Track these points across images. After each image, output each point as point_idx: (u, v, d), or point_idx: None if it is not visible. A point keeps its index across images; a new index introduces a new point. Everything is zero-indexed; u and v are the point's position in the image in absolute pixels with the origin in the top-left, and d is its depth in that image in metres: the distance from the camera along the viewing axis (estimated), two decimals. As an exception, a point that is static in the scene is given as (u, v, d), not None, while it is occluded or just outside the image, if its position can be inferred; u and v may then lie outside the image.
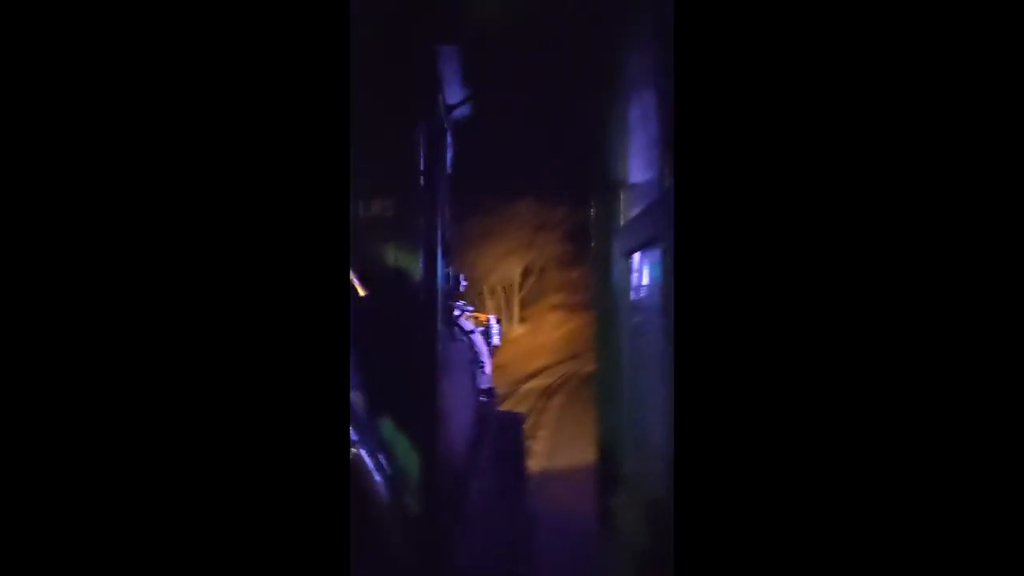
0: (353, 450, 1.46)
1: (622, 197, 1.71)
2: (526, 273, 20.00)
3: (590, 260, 1.97)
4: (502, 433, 2.84)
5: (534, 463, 5.00)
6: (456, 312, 2.85)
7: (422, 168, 1.89)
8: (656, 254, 1.47)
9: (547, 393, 10.21)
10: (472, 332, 3.16)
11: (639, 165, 1.70)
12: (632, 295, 1.70)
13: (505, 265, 19.16)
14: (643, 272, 1.63)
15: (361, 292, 1.70)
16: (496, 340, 3.42)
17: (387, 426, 1.77)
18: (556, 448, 5.70)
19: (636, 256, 1.66)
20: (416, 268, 1.89)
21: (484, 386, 3.06)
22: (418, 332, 1.89)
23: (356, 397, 1.57)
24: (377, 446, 1.69)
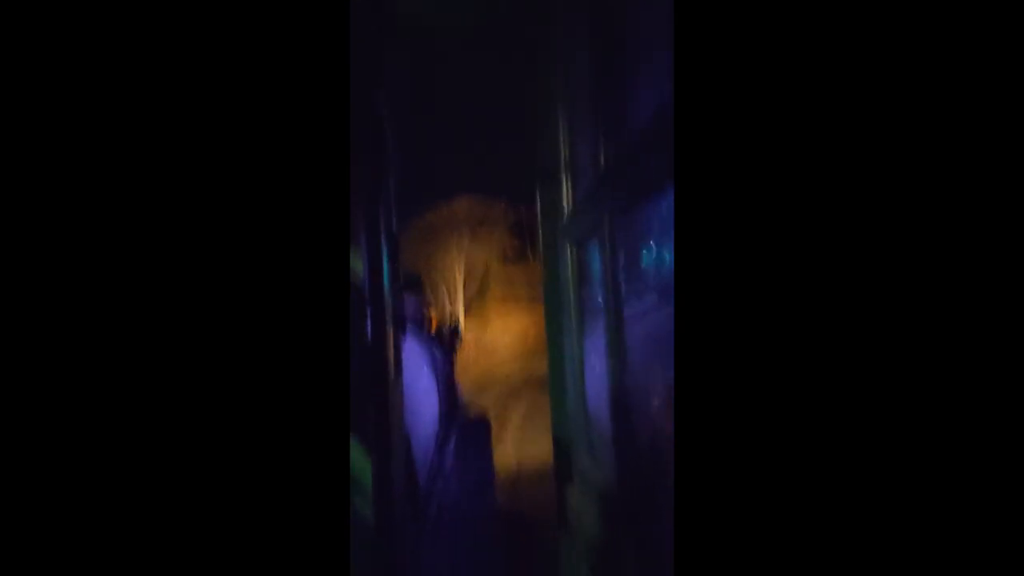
0: None
1: (565, 186, 1.77)
2: (469, 270, 20.01)
3: (537, 254, 2.03)
4: (465, 435, 2.87)
5: (499, 463, 5.06)
6: (410, 311, 2.85)
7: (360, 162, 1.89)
8: (597, 245, 1.53)
9: (509, 394, 10.27)
10: (431, 331, 3.17)
11: (582, 151, 1.75)
12: (579, 289, 1.77)
13: (446, 263, 19.09)
14: (590, 263, 1.69)
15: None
16: (458, 339, 3.43)
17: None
18: (521, 448, 5.77)
19: (581, 247, 1.72)
20: (359, 267, 1.89)
21: (445, 387, 3.08)
22: (366, 334, 1.89)
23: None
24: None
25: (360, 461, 1.86)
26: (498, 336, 16.80)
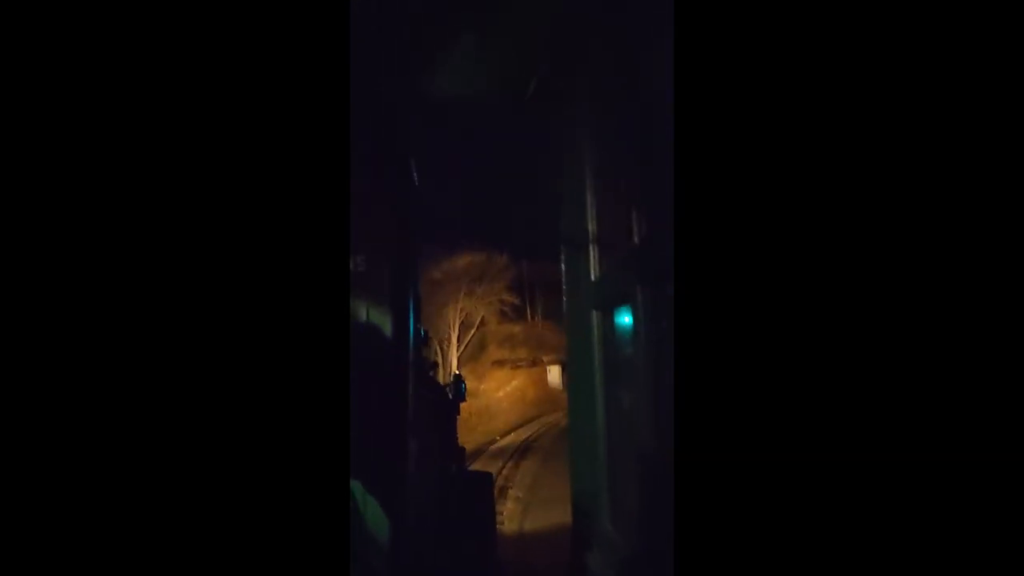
0: None
1: (592, 252, 1.86)
2: (464, 326, 19.97)
3: (562, 315, 2.10)
4: (469, 493, 2.87)
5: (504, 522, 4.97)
6: (424, 368, 2.89)
7: (395, 226, 1.99)
8: (627, 310, 1.61)
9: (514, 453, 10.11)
10: (439, 388, 3.20)
11: (608, 221, 1.85)
12: (605, 350, 1.83)
13: (441, 317, 19.09)
14: (616, 327, 1.76)
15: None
16: (462, 396, 3.46)
17: (356, 488, 1.80)
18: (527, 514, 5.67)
19: (608, 311, 1.80)
20: (387, 325, 1.97)
21: (451, 445, 3.08)
22: (389, 390, 1.94)
23: None
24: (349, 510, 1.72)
25: (377, 519, 1.87)
26: (490, 398, 16.55)
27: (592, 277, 1.90)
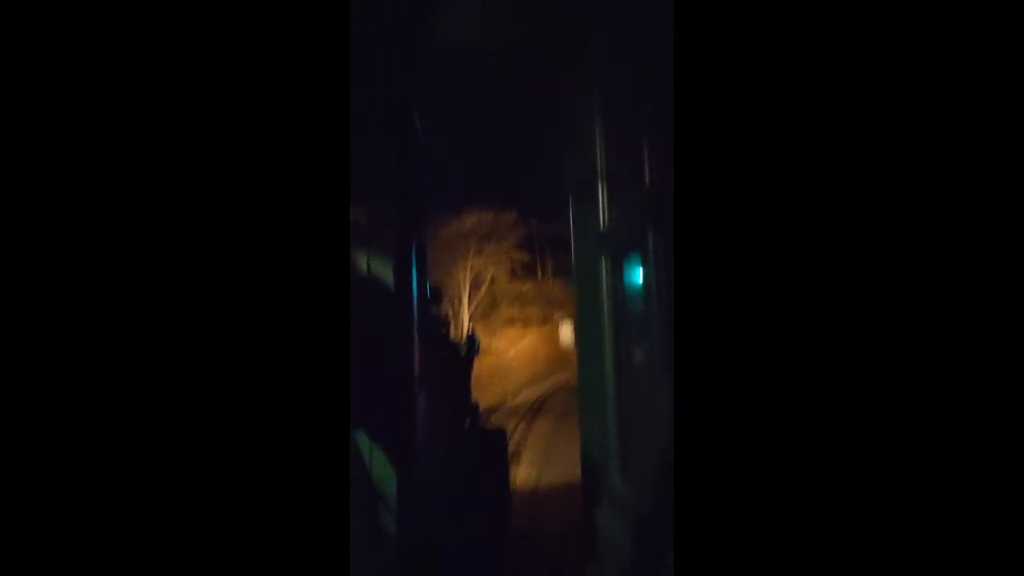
0: None
1: (600, 199, 1.80)
2: (475, 284, 20.00)
3: (571, 267, 2.05)
4: (482, 450, 2.88)
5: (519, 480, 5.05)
6: (436, 325, 2.87)
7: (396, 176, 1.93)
8: (637, 260, 1.55)
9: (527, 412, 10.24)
10: (452, 344, 3.18)
11: (617, 167, 1.78)
12: (615, 303, 1.78)
13: (451, 277, 19.13)
14: (625, 279, 1.71)
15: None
16: (476, 352, 3.45)
17: (363, 442, 1.79)
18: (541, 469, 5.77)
19: (618, 261, 1.74)
20: (389, 278, 1.92)
21: (464, 401, 3.09)
22: (394, 344, 1.91)
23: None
24: (355, 464, 1.71)
25: (384, 471, 1.87)
26: (500, 358, 16.70)
27: (601, 227, 1.84)
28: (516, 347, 18.09)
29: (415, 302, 2.03)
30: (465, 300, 19.37)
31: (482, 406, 3.79)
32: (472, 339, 3.57)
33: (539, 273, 21.44)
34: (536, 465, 5.73)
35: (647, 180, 1.44)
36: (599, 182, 1.83)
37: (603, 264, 1.79)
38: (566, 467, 5.11)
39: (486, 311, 19.78)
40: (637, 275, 1.55)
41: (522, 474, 5.29)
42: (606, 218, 1.80)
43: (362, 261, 1.86)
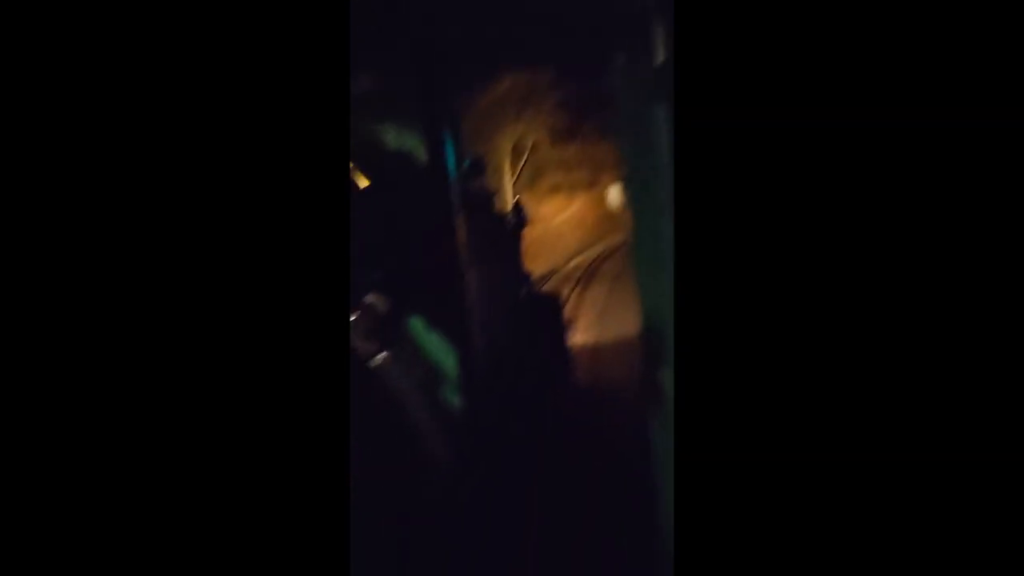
0: (380, 357, 1.48)
1: (657, 42, 1.59)
2: (517, 151, 19.57)
3: (616, 126, 1.88)
4: (537, 315, 2.90)
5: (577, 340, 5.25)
6: (481, 197, 2.79)
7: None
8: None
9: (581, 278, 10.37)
10: (499, 216, 3.12)
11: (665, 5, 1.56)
12: (668, 156, 1.64)
13: (492, 146, 18.72)
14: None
15: (362, 183, 1.63)
16: (524, 222, 3.38)
17: (416, 326, 1.78)
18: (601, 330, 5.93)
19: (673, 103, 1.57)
20: (421, 150, 1.81)
21: (516, 272, 3.08)
22: (432, 223, 1.84)
23: (375, 299, 1.55)
24: (408, 349, 1.71)
25: (443, 352, 1.89)
26: (547, 225, 16.67)
27: (653, 72, 1.64)
28: (563, 214, 17.97)
29: (454, 175, 1.92)
30: (507, 170, 19.06)
31: (534, 275, 3.79)
32: (518, 209, 3.48)
33: (582, 135, 20.67)
34: (593, 330, 5.85)
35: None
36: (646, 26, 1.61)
37: (656, 109, 1.63)
38: (623, 329, 5.20)
39: (530, 180, 19.46)
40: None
41: (579, 339, 5.41)
42: (662, 57, 1.61)
43: (390, 135, 1.75)
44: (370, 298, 1.50)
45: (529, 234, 3.78)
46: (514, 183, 18.92)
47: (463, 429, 1.81)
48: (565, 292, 8.36)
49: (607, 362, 4.64)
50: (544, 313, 3.06)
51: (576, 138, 20.43)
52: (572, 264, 13.11)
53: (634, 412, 2.03)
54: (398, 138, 1.78)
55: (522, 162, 19.53)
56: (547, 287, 9.23)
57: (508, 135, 18.85)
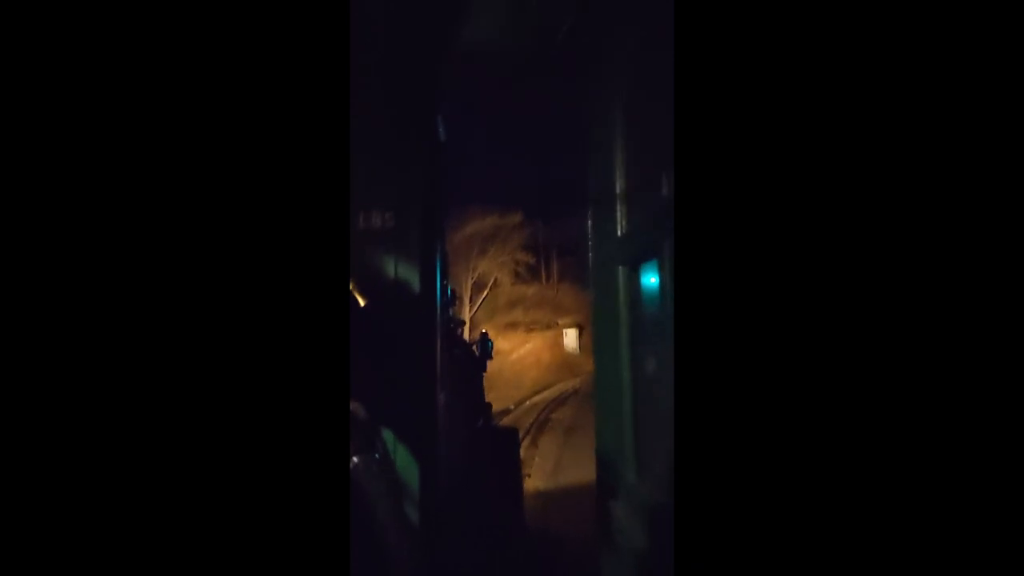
0: (354, 459, 1.56)
1: (619, 208, 1.89)
2: (477, 286, 19.96)
3: (578, 276, 2.15)
4: (497, 446, 2.99)
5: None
6: (452, 325, 2.98)
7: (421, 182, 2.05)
8: (655, 266, 1.65)
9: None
10: (467, 345, 3.29)
11: (635, 174, 1.87)
12: (632, 309, 1.88)
13: (453, 277, 19.06)
14: (643, 285, 1.81)
15: (361, 302, 1.83)
16: (489, 354, 3.57)
17: (387, 436, 1.90)
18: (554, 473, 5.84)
19: (635, 268, 1.84)
20: (415, 280, 2.03)
21: (479, 400, 3.19)
22: (418, 344, 2.02)
23: (356, 407, 1.68)
24: (378, 455, 1.82)
25: (407, 461, 1.97)
26: (503, 361, 16.61)
27: (619, 233, 1.94)
28: (519, 352, 18.08)
29: (439, 306, 2.14)
30: (467, 301, 19.34)
31: (493, 408, 3.89)
32: (485, 339, 3.68)
33: (544, 277, 21.46)
34: (547, 480, 5.81)
35: (665, 189, 1.54)
36: (617, 191, 1.92)
37: (620, 271, 1.89)
38: (577, 478, 5.17)
39: (489, 313, 19.80)
40: (654, 282, 1.65)
41: (531, 485, 5.38)
42: (624, 226, 1.90)
43: (390, 266, 1.98)
44: (353, 405, 1.63)
45: (490, 366, 3.93)
46: (470, 316, 19.19)
47: (421, 545, 1.86)
48: (520, 433, 8.29)
49: (560, 507, 4.61)
50: (503, 441, 3.15)
51: (537, 279, 21.19)
52: (528, 404, 13.04)
53: (587, 554, 2.09)
54: (397, 269, 2.02)
55: (482, 297, 19.94)
56: (505, 421, 9.14)
57: (471, 269, 19.42)
